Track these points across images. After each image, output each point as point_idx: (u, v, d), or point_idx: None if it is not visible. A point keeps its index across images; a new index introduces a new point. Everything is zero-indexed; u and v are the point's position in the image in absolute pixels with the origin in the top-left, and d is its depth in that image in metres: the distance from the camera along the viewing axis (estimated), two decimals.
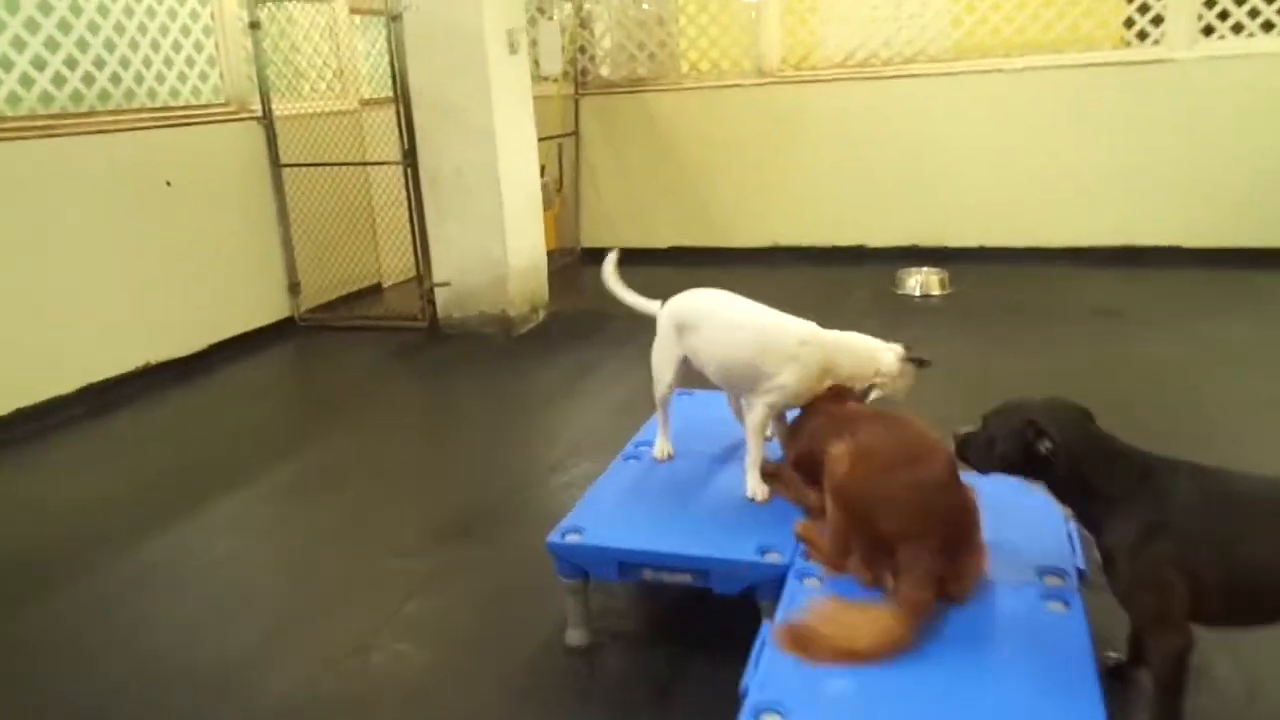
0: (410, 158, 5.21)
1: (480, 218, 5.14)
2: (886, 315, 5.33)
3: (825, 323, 2.59)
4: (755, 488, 2.40)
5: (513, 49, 5.12)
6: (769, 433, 2.54)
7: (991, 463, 1.85)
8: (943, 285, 5.66)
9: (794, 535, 2.12)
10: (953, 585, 1.81)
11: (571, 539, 2.31)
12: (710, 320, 2.58)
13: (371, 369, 4.95)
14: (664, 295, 2.95)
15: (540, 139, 5.60)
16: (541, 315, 5.53)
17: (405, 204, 5.38)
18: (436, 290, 5.33)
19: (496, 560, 2.87)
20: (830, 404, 2.28)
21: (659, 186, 6.96)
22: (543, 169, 5.90)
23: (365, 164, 5.73)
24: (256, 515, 3.29)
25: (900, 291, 5.71)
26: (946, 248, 6.33)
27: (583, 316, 5.65)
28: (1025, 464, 1.83)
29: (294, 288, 5.59)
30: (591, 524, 2.35)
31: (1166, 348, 4.49)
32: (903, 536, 1.79)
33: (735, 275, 6.91)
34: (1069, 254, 6.08)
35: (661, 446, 2.69)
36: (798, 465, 2.30)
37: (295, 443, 3.91)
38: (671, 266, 6.70)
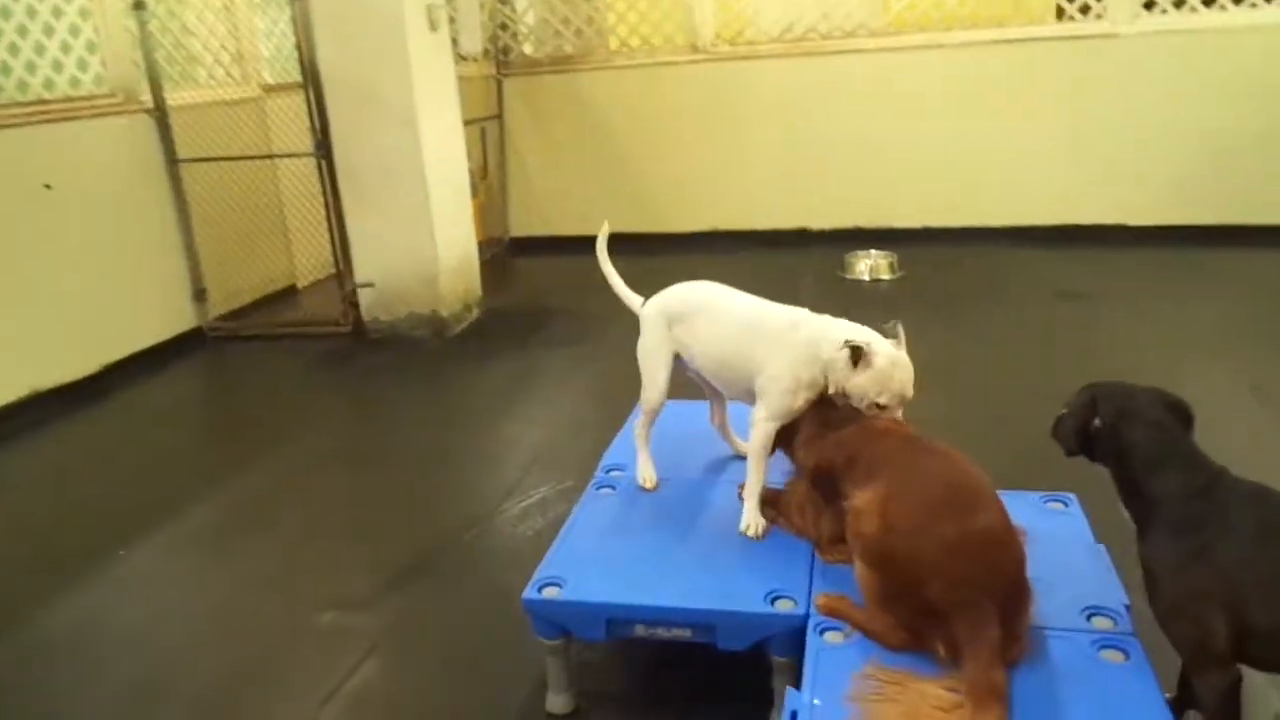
0: (323, 148, 4.77)
1: (405, 211, 4.74)
2: (837, 302, 5.10)
3: None
4: (751, 520, 2.12)
5: (433, 26, 4.71)
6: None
7: (1064, 440, 1.74)
8: (892, 269, 5.48)
9: (816, 608, 1.83)
10: (1011, 649, 1.56)
11: (550, 593, 2.00)
12: (702, 310, 2.35)
13: (293, 382, 4.52)
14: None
15: (463, 123, 5.21)
16: (475, 313, 5.17)
17: (319, 198, 4.94)
18: (360, 292, 4.92)
19: (457, 609, 2.54)
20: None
21: (590, 171, 6.62)
22: (466, 154, 5.50)
23: (273, 156, 5.26)
24: (173, 568, 2.88)
25: (849, 276, 5.52)
26: (892, 229, 6.16)
27: (519, 313, 5.31)
28: (1083, 443, 1.71)
29: (200, 294, 5.09)
30: (571, 574, 2.04)
31: (1130, 331, 4.38)
32: (958, 604, 1.53)
33: (673, 262, 6.69)
34: (1013, 233, 5.97)
35: (645, 472, 2.39)
36: (816, 477, 1.99)
37: (212, 475, 3.49)
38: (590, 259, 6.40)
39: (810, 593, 1.90)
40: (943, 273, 5.50)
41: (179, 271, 4.99)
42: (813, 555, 2.03)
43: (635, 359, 2.50)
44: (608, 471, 2.54)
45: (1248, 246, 5.52)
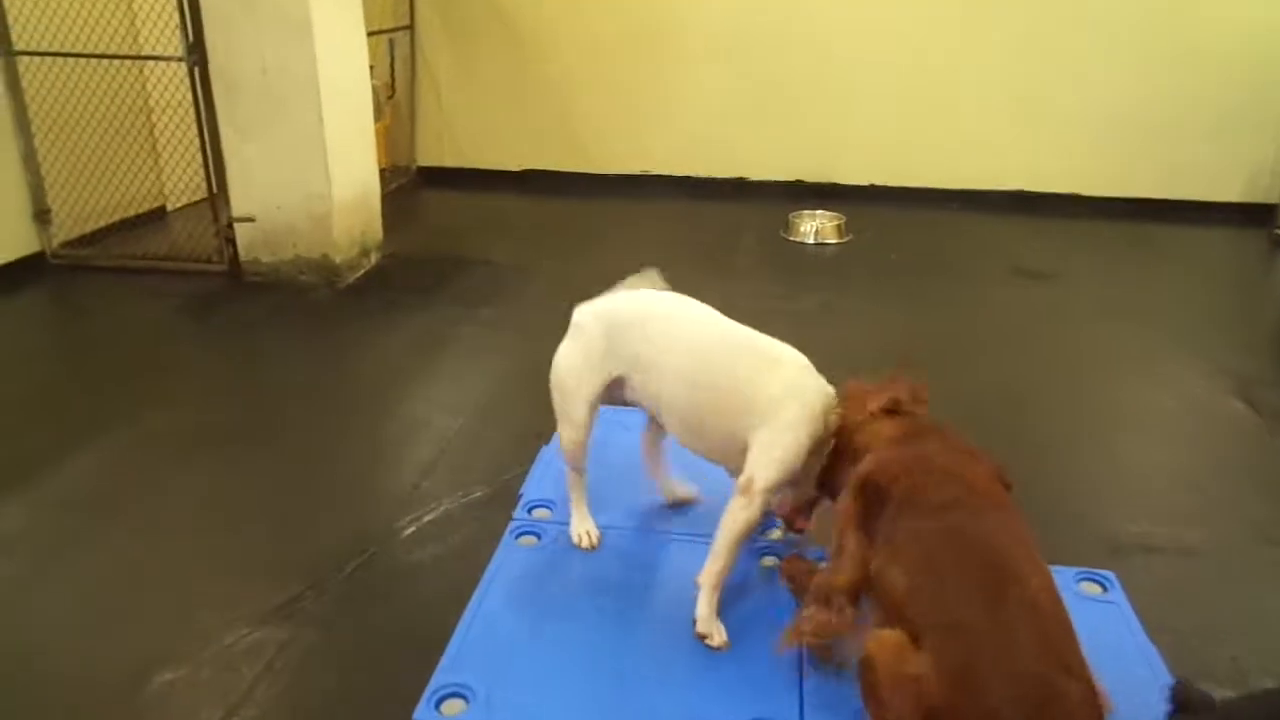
0: (196, 53, 4.00)
1: (294, 136, 4.03)
2: (783, 268, 4.68)
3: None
4: (708, 623, 1.64)
5: None
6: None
7: None
8: (840, 232, 5.05)
9: None
10: None
11: (452, 711, 1.51)
12: (665, 317, 1.77)
13: (152, 329, 3.83)
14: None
15: (367, 34, 4.48)
16: (374, 259, 4.52)
17: (192, 112, 4.18)
18: (237, 227, 4.21)
19: (331, 670, 2.03)
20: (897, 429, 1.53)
21: (513, 97, 5.93)
22: (370, 70, 4.78)
23: (134, 58, 4.43)
24: None
25: (792, 238, 5.06)
26: (836, 185, 5.72)
27: (425, 261, 4.68)
28: None
29: (42, 215, 4.31)
30: (481, 682, 1.55)
31: (1095, 318, 4.06)
32: None
33: (601, 206, 6.12)
34: (965, 197, 5.60)
35: (581, 527, 1.89)
36: (866, 489, 1.52)
37: (46, 446, 2.84)
38: (524, 193, 5.79)
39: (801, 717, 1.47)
40: (893, 239, 5.10)
41: (15, 186, 4.19)
42: (801, 664, 1.58)
43: (560, 330, 1.92)
44: (529, 510, 2.04)
45: (1201, 224, 5.29)
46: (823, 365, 3.51)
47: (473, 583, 2.19)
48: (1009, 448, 2.89)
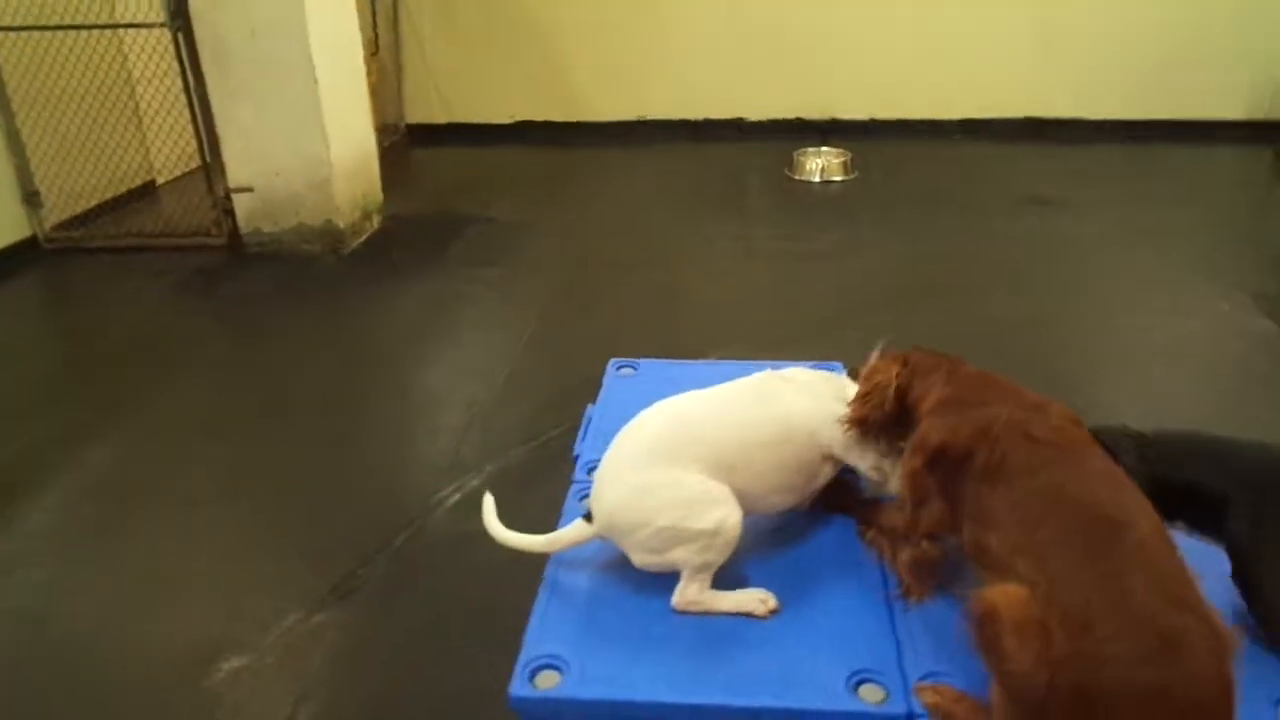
0: (180, 18, 3.84)
1: (289, 100, 3.90)
2: (794, 208, 4.60)
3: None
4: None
5: None
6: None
7: None
8: (845, 169, 4.96)
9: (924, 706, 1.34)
10: None
11: (547, 683, 1.46)
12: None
13: (155, 309, 3.73)
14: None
15: None
16: (377, 222, 4.41)
17: (179, 80, 4.03)
18: (235, 197, 4.09)
19: (394, 652, 1.98)
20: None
21: (501, 48, 5.76)
22: None
23: (114, 26, 4.26)
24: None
25: (798, 176, 4.97)
26: (837, 121, 5.61)
27: (427, 221, 4.57)
28: None
29: (32, 197, 4.17)
30: (574, 652, 1.50)
31: (1109, 245, 4.01)
32: None
33: (600, 155, 5.99)
34: (968, 127, 5.51)
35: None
36: (936, 460, 1.42)
37: (60, 438, 2.77)
38: (519, 146, 5.66)
39: (902, 671, 1.43)
40: (899, 173, 5.01)
41: (2, 169, 4.04)
42: (891, 616, 1.54)
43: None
44: (588, 471, 1.97)
45: (1208, 143, 5.23)
46: (846, 303, 3.47)
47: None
48: (1032, 379, 2.86)
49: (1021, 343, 3.17)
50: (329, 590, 2.11)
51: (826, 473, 1.69)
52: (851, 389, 1.67)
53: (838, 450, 1.63)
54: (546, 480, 2.44)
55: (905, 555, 1.54)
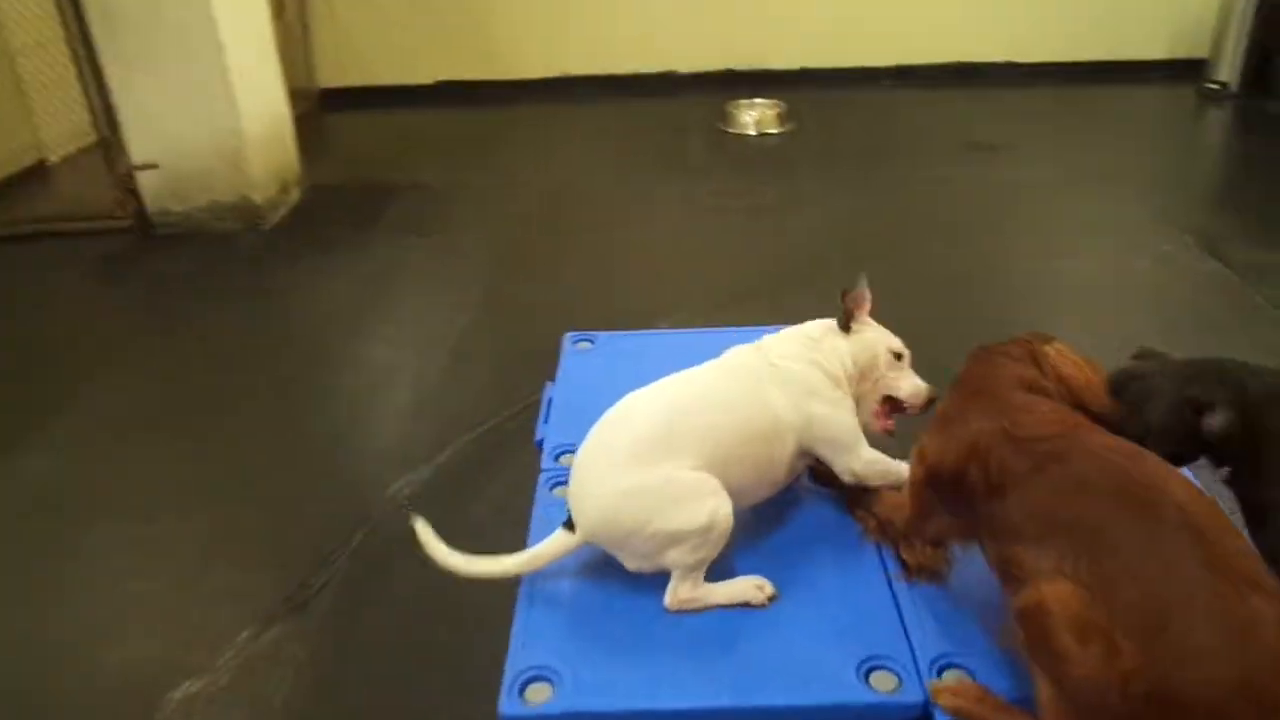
0: None
1: (192, 66, 3.61)
2: (733, 162, 4.49)
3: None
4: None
5: None
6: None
7: (1159, 441, 1.30)
8: (781, 121, 4.85)
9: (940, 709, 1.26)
10: None
11: (539, 697, 1.35)
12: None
13: (65, 302, 3.45)
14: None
15: None
16: (297, 195, 4.16)
17: (65, 49, 3.70)
18: (138, 175, 3.80)
19: (373, 660, 1.86)
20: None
21: (416, 3, 5.48)
22: None
23: None
24: None
25: (733, 130, 4.85)
26: (769, 71, 5.49)
27: (352, 191, 4.33)
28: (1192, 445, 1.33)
29: None
30: (565, 661, 1.40)
31: (1052, 187, 4.00)
32: None
33: (527, 114, 5.75)
34: (900, 73, 5.44)
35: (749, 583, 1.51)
36: (934, 482, 1.37)
37: None
38: (441, 107, 5.41)
39: (914, 654, 1.36)
40: (835, 123, 4.93)
41: None
42: (895, 600, 1.47)
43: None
44: (556, 457, 1.86)
45: (1136, 83, 5.26)
46: (795, 259, 3.39)
47: (499, 543, 2.03)
48: (985, 329, 2.82)
49: (973, 292, 3.14)
50: (283, 601, 1.96)
51: (804, 465, 1.61)
52: (837, 343, 1.59)
53: (821, 453, 1.55)
54: (505, 465, 2.33)
55: (906, 556, 1.47)
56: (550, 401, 2.09)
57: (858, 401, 1.60)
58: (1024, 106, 5.05)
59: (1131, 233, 3.51)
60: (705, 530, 1.40)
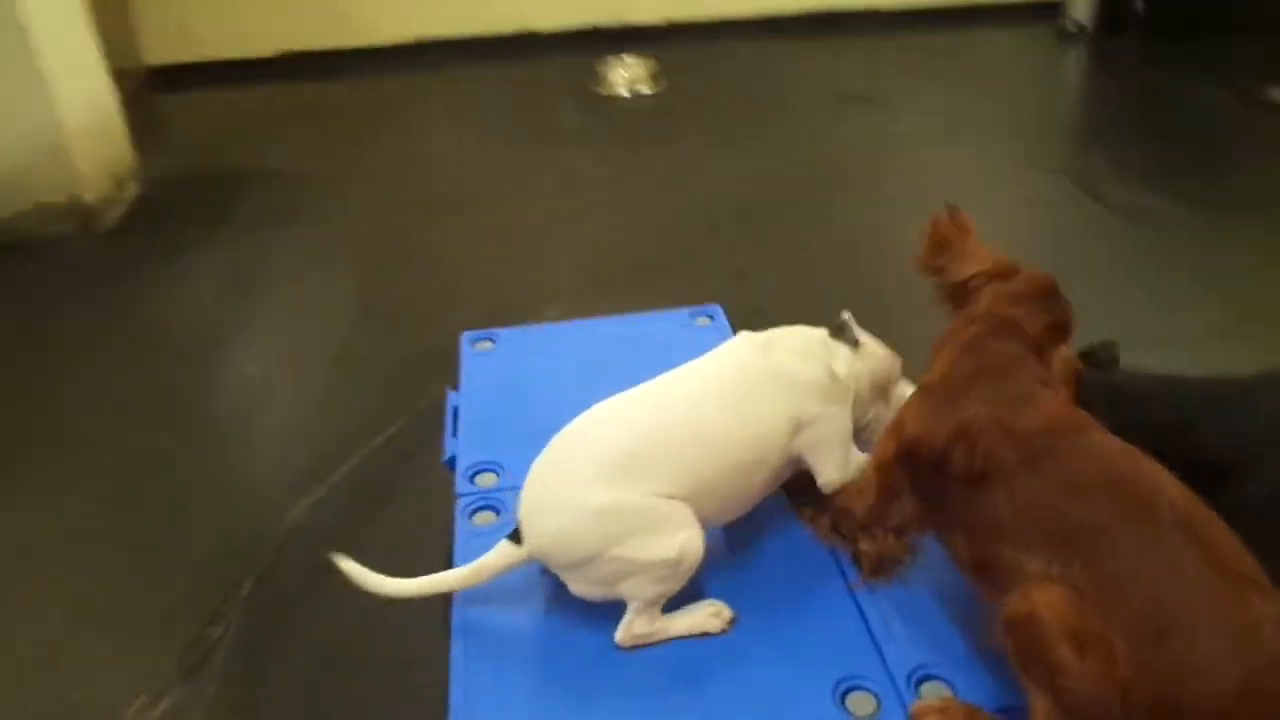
0: None
1: None
2: (610, 126, 4.31)
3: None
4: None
5: None
6: None
7: None
8: (654, 80, 4.70)
9: None
10: None
11: None
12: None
13: None
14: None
15: None
16: (134, 190, 3.76)
17: None
18: None
19: (280, 711, 1.66)
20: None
21: None
22: None
23: None
24: None
25: (605, 91, 4.66)
26: (633, 26, 5.30)
27: (197, 182, 3.95)
28: None
29: None
30: (516, 714, 1.26)
31: (933, 138, 4.00)
32: None
33: (382, 84, 5.35)
34: (767, 24, 5.35)
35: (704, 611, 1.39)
36: (907, 458, 1.29)
37: None
38: (287, 82, 4.99)
39: (888, 671, 1.28)
40: (709, 79, 4.80)
41: None
42: (861, 609, 1.38)
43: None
44: (473, 477, 1.70)
45: (995, 26, 5.33)
46: (691, 229, 3.28)
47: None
48: (887, 294, 2.80)
49: (872, 253, 3.11)
50: (175, 663, 1.74)
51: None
52: (835, 356, 1.46)
53: (810, 459, 1.44)
54: (408, 482, 2.14)
55: (866, 546, 1.39)
56: (456, 412, 1.92)
57: (867, 426, 1.51)
58: (889, 55, 5.04)
59: (1011, 180, 3.54)
60: (674, 564, 1.28)
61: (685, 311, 2.17)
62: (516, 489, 1.62)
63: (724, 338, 2.04)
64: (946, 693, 1.24)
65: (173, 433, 2.42)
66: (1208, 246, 3.00)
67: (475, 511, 1.61)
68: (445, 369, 2.41)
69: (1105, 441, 1.15)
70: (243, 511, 2.12)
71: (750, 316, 2.15)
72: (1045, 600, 1.01)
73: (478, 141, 4.20)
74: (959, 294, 1.38)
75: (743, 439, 1.36)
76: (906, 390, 1.51)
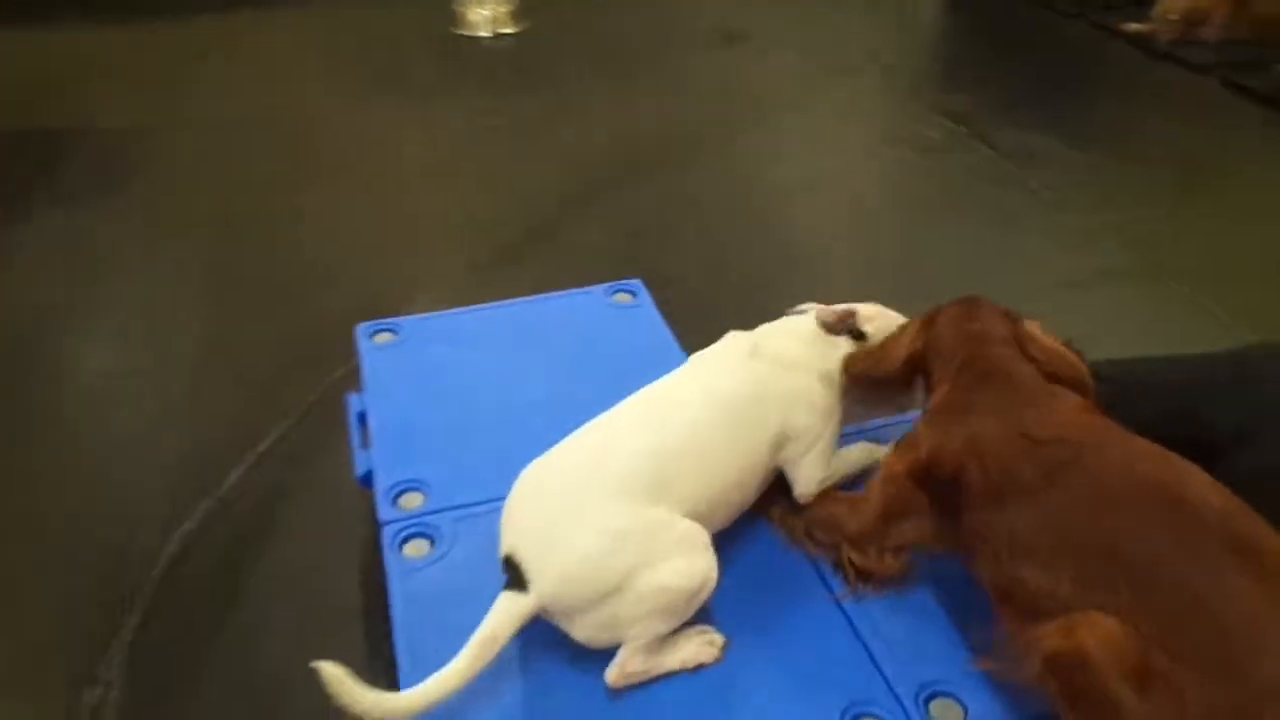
0: None
1: None
2: (472, 73, 4.01)
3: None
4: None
5: None
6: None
7: None
8: (515, 18, 4.39)
9: None
10: None
11: None
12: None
13: None
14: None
15: None
16: None
17: None
18: None
19: None
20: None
21: None
22: None
23: None
24: None
25: (465, 32, 4.32)
26: None
27: (6, 140, 3.41)
28: None
29: None
30: None
31: (796, 64, 3.93)
32: None
33: (209, 24, 4.77)
34: None
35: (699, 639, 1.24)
36: (922, 476, 1.21)
37: None
38: (94, 22, 4.39)
39: (894, 693, 1.19)
40: (573, 16, 4.53)
41: None
42: (854, 627, 1.28)
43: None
44: (397, 498, 1.49)
45: None
46: (571, 185, 3.07)
47: (326, 605, 1.65)
48: (789, 240, 2.73)
49: (774, 201, 3.01)
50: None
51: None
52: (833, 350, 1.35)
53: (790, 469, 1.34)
54: (305, 511, 1.89)
55: (856, 559, 1.28)
56: (362, 419, 1.69)
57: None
58: None
59: (893, 120, 3.49)
60: (693, 593, 1.15)
61: (602, 288, 2.00)
62: (448, 510, 1.45)
63: (649, 316, 1.91)
64: (956, 710, 1.16)
65: (9, 445, 2.06)
66: (1102, 187, 3.03)
67: (405, 541, 1.41)
68: (326, 358, 2.17)
69: (1127, 443, 1.07)
70: (110, 541, 1.82)
71: (662, 288, 2.01)
72: (1094, 636, 0.93)
73: (329, 91, 3.82)
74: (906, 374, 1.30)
75: (734, 456, 1.24)
76: None
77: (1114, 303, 2.45)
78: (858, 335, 1.40)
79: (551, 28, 4.38)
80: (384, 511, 1.46)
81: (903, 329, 1.34)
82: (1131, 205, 2.90)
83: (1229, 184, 3.11)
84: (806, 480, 1.32)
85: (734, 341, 1.38)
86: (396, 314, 1.91)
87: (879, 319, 1.43)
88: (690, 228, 2.83)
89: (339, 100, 3.74)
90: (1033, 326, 1.27)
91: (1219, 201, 2.98)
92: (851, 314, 1.41)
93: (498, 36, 4.30)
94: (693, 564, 1.14)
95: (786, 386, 1.28)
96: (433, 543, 1.40)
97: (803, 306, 1.44)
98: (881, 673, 1.21)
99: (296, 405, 2.10)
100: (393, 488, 1.49)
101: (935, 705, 1.17)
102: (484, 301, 1.95)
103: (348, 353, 1.87)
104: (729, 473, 1.24)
